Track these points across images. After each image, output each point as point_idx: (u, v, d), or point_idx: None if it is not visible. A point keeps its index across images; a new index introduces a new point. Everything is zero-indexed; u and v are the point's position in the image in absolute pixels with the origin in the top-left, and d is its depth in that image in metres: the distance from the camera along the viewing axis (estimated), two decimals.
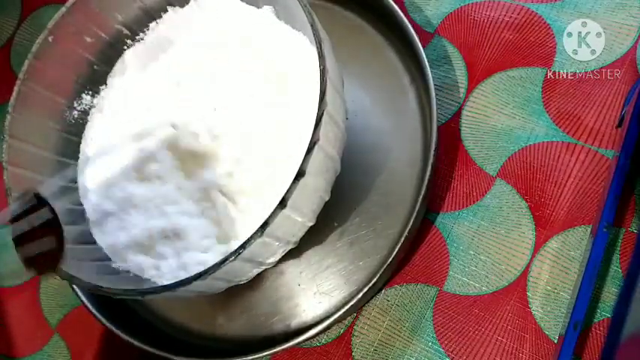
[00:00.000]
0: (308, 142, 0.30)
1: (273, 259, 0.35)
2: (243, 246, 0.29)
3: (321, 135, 0.30)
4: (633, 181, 0.38)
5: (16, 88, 0.38)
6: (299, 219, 0.33)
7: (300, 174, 0.29)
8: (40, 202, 0.33)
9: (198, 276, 0.29)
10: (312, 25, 0.31)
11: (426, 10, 0.47)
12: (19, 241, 0.32)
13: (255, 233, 0.29)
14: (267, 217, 0.29)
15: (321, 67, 0.31)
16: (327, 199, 0.35)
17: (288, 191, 0.29)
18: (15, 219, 0.32)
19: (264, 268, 0.35)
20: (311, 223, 0.35)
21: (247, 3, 0.40)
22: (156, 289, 0.30)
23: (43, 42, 0.38)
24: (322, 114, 0.30)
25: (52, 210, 0.33)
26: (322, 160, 0.32)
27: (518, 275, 0.39)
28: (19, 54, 0.60)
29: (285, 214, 0.29)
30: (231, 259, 0.29)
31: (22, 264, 0.31)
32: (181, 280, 0.29)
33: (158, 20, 0.42)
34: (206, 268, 0.29)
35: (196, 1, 0.42)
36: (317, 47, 0.31)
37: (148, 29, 0.43)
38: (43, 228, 0.32)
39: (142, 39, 0.43)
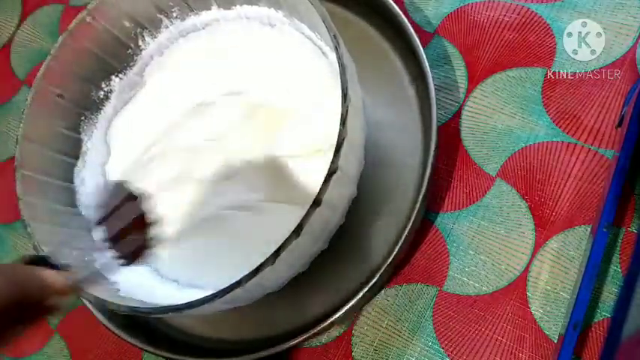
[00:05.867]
0: (327, 169, 0.29)
1: (280, 283, 0.36)
2: (255, 272, 0.29)
3: (341, 163, 0.30)
4: (633, 181, 0.38)
5: (32, 89, 0.38)
6: (311, 245, 0.33)
7: (317, 203, 0.29)
8: (129, 194, 0.32)
9: (205, 301, 0.29)
10: (336, 48, 0.31)
11: (426, 10, 0.47)
12: (115, 238, 0.30)
13: (267, 260, 0.29)
14: (280, 244, 0.29)
15: (343, 93, 0.30)
16: (341, 223, 0.36)
17: (303, 220, 0.29)
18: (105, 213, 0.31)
19: (269, 291, 0.36)
20: (322, 248, 0.35)
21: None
22: (158, 309, 0.31)
23: (62, 42, 0.39)
24: (342, 144, 0.30)
25: (140, 201, 0.31)
26: (339, 189, 0.32)
27: (518, 275, 0.39)
28: (19, 54, 0.60)
29: (298, 242, 0.29)
30: (244, 283, 0.29)
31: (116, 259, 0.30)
32: (189, 302, 0.30)
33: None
34: (216, 291, 0.29)
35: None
36: (340, 74, 0.31)
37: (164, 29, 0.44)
38: (134, 222, 0.31)
39: (156, 37, 0.44)
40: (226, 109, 0.41)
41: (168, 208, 0.36)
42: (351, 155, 0.32)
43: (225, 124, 0.41)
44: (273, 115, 0.40)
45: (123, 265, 0.30)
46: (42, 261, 0.26)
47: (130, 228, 0.30)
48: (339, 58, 0.31)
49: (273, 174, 0.39)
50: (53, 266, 0.26)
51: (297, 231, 0.29)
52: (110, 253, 0.30)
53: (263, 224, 0.38)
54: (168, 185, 0.39)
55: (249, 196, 0.38)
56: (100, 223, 0.30)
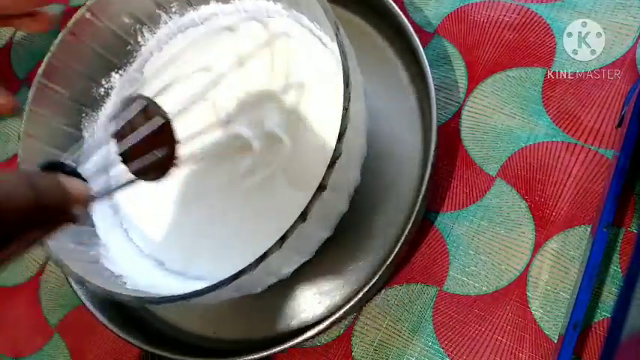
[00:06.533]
0: (331, 155, 0.30)
1: (287, 270, 0.36)
2: (265, 255, 0.29)
3: (343, 151, 0.30)
4: (633, 181, 0.38)
5: (32, 87, 0.39)
6: (317, 231, 0.33)
7: (322, 188, 0.29)
8: (147, 106, 0.29)
9: (214, 288, 0.29)
10: (336, 35, 0.32)
11: (426, 10, 0.47)
12: (129, 155, 0.28)
13: (274, 245, 0.29)
14: (286, 230, 0.29)
15: (345, 79, 0.30)
16: (345, 210, 0.35)
17: (309, 204, 0.29)
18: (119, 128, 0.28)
19: (277, 279, 0.37)
20: (327, 235, 0.35)
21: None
22: (165, 299, 0.31)
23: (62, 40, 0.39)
24: (345, 129, 0.30)
25: (164, 114, 0.28)
26: (343, 174, 0.32)
27: (518, 275, 0.39)
28: (19, 54, 0.60)
29: (304, 227, 0.30)
30: (257, 264, 0.29)
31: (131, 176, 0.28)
32: (197, 291, 0.30)
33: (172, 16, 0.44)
34: (220, 280, 0.29)
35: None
36: (342, 60, 0.31)
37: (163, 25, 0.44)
38: (154, 137, 0.28)
39: (155, 33, 0.44)
40: (248, 32, 0.41)
41: (187, 129, 0.35)
42: (354, 140, 0.33)
43: (249, 48, 0.41)
44: (290, 46, 0.41)
45: (138, 179, 0.28)
46: (61, 166, 0.25)
47: (147, 144, 0.28)
48: (340, 44, 0.31)
49: (289, 110, 0.39)
50: (71, 172, 0.25)
51: (303, 216, 0.29)
52: (124, 167, 0.28)
53: (265, 211, 0.38)
54: (188, 106, 0.38)
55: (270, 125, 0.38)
56: (115, 136, 0.28)
